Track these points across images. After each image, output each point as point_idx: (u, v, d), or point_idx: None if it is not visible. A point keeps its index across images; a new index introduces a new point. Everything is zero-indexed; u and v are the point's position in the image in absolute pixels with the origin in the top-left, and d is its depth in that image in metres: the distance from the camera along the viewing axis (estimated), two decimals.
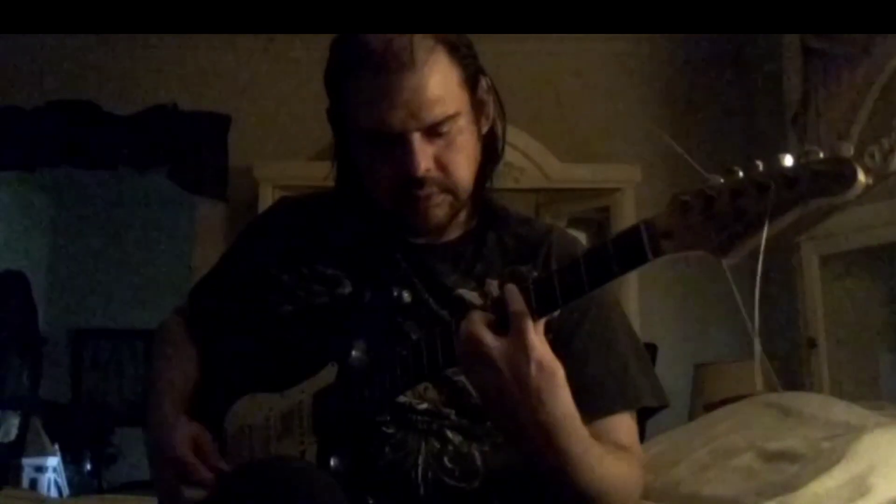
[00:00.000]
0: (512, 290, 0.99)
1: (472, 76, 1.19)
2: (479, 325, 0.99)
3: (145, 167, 3.94)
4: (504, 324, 0.98)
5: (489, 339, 0.98)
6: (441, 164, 1.17)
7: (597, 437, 1.12)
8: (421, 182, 1.16)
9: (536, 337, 0.97)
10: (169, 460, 1.19)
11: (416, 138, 1.14)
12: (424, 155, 1.15)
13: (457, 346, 1.01)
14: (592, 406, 1.15)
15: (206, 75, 3.96)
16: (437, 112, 1.14)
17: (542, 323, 0.99)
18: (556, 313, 1.14)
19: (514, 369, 0.96)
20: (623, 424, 1.19)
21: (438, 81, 1.14)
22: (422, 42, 1.12)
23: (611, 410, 1.18)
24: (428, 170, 1.16)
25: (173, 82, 3.92)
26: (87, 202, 6.02)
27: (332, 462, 1.11)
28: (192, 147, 3.86)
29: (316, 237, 1.30)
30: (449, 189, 1.19)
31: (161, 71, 3.94)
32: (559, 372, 0.98)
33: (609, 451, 1.10)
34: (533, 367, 0.96)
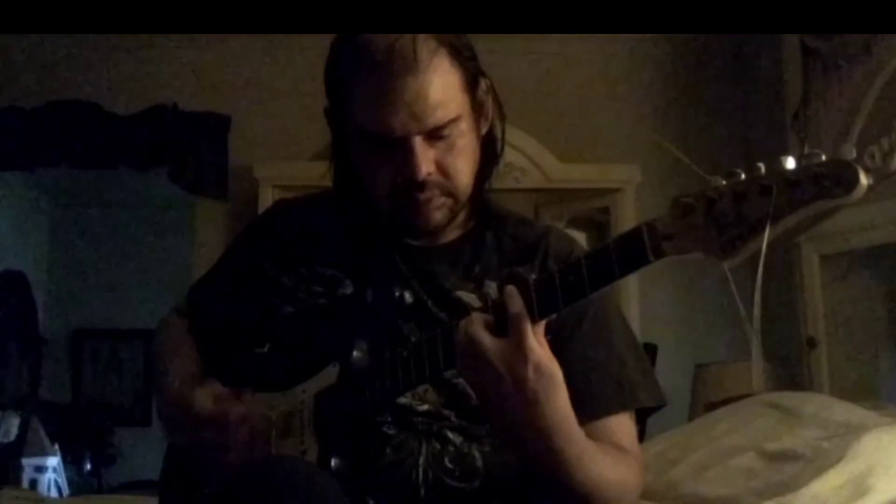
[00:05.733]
0: (511, 291, 0.99)
1: (472, 78, 1.19)
2: (477, 327, 0.99)
3: (145, 167, 3.94)
4: (503, 326, 0.98)
5: (488, 340, 0.98)
6: (442, 168, 1.17)
7: (595, 437, 1.12)
8: (422, 185, 1.16)
9: (535, 339, 0.97)
10: (202, 422, 1.18)
11: (418, 142, 1.14)
12: (426, 158, 1.15)
13: (456, 346, 1.01)
14: (591, 407, 1.15)
15: (206, 75, 3.96)
16: (440, 115, 1.14)
17: (541, 325, 0.99)
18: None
19: (512, 372, 0.96)
20: (622, 425, 1.18)
21: (441, 84, 1.13)
22: (425, 44, 1.12)
23: (609, 412, 1.17)
24: (429, 173, 1.16)
25: (173, 82, 3.92)
26: (87, 202, 6.02)
27: (332, 462, 1.11)
28: (192, 147, 3.86)
29: (314, 238, 1.30)
30: (449, 192, 1.19)
31: (161, 71, 3.95)
32: (557, 375, 0.98)
33: (606, 453, 1.10)
34: (531, 370, 0.96)
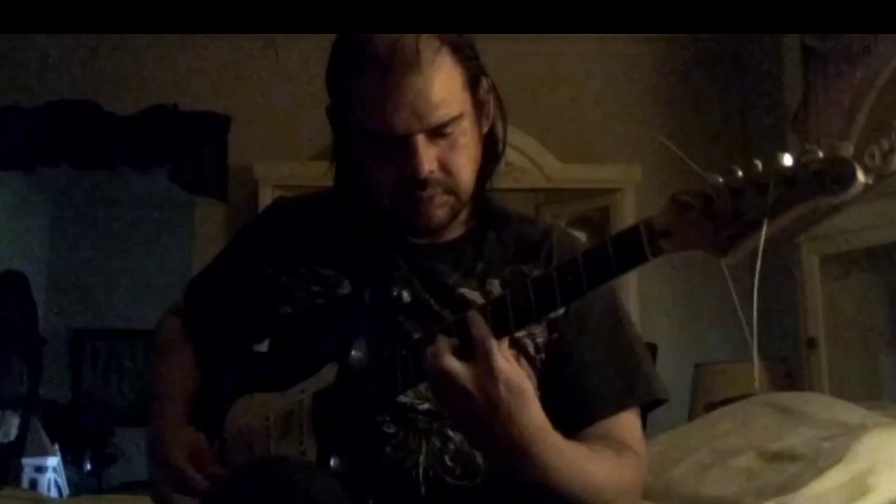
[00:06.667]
0: (474, 315, 1.00)
1: (474, 77, 1.20)
2: (444, 357, 0.99)
3: (145, 167, 3.94)
4: (469, 348, 0.99)
5: (457, 367, 0.98)
6: (444, 166, 1.17)
7: (603, 435, 1.12)
8: (424, 183, 1.16)
9: (502, 357, 0.98)
10: (164, 468, 1.20)
11: (420, 140, 1.14)
12: (428, 156, 1.15)
13: (425, 374, 1.02)
14: (600, 404, 1.16)
15: (206, 75, 3.96)
16: (442, 114, 1.14)
17: (505, 341, 1.00)
18: (561, 311, 1.13)
19: (483, 393, 0.97)
20: (628, 422, 1.19)
21: (443, 83, 1.14)
22: (427, 43, 1.12)
23: (620, 407, 1.18)
24: (431, 171, 1.16)
25: (173, 82, 3.92)
26: (87, 202, 6.02)
27: (332, 462, 1.11)
28: (192, 147, 3.86)
29: (314, 238, 1.30)
30: (451, 190, 1.20)
31: (161, 71, 3.95)
32: (528, 389, 0.99)
33: (600, 452, 1.11)
34: (502, 389, 0.97)
